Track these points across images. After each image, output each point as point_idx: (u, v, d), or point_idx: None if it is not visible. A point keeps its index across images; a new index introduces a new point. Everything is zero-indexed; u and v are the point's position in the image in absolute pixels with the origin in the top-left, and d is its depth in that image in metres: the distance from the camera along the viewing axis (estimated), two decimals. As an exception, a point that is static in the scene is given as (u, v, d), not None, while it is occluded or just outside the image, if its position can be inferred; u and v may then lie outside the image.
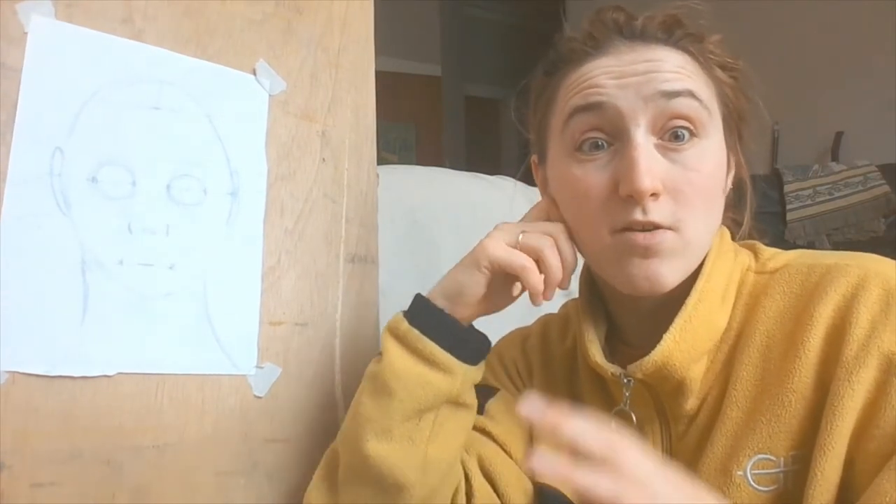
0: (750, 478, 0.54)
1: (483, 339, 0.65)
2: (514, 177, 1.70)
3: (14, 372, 0.57)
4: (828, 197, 2.48)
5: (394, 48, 3.81)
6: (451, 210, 1.45)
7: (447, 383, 0.61)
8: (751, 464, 0.55)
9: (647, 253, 0.56)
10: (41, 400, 0.58)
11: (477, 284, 0.62)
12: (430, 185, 1.48)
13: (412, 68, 4.17)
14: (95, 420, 0.61)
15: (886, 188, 2.40)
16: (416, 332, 0.61)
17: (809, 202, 2.49)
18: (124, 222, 0.64)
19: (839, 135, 2.63)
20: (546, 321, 0.79)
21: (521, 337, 0.79)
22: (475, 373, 0.64)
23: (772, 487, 0.54)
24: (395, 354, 0.61)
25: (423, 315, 0.63)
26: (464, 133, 4.17)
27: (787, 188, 2.52)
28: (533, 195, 1.59)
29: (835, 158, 2.63)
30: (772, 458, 0.54)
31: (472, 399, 0.65)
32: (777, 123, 2.63)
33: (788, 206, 2.49)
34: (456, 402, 0.63)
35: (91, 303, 0.61)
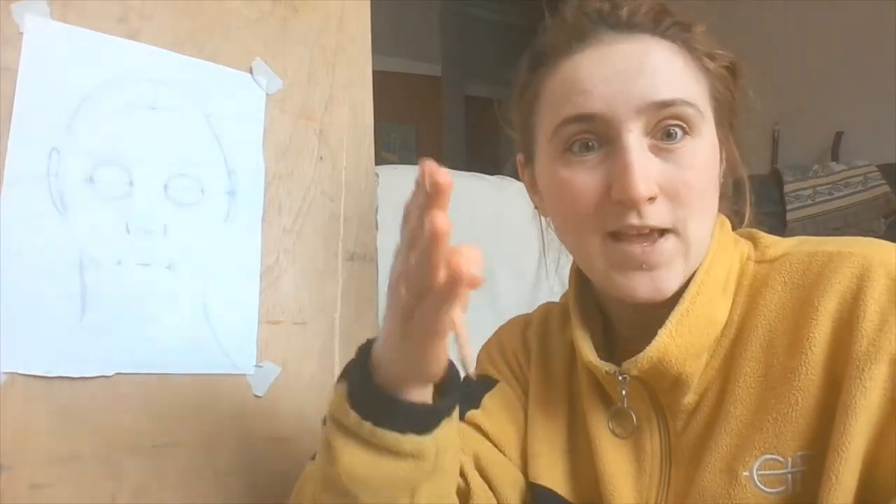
0: (756, 479, 0.53)
1: (450, 381, 0.53)
2: (513, 176, 1.69)
3: (13, 373, 0.57)
4: (828, 197, 2.48)
5: (394, 48, 3.81)
6: (450, 210, 1.45)
7: (418, 468, 0.51)
8: (757, 464, 0.53)
9: (647, 266, 0.55)
10: (40, 401, 0.58)
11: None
12: (429, 185, 1.48)
13: (412, 68, 4.16)
14: (95, 420, 0.61)
15: (886, 188, 2.40)
16: (368, 425, 0.49)
17: (809, 202, 2.49)
18: (122, 222, 0.64)
19: (839, 135, 2.63)
20: (548, 309, 0.76)
21: (522, 324, 0.76)
22: (448, 427, 0.52)
23: (779, 489, 0.52)
24: (352, 457, 0.50)
25: (369, 396, 0.50)
26: (464, 133, 4.16)
27: (787, 188, 2.52)
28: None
29: (835, 158, 2.63)
30: (779, 458, 0.52)
31: (452, 458, 0.54)
32: (777, 123, 2.63)
33: (788, 207, 2.49)
34: (434, 472, 0.52)
35: (89, 303, 0.61)
